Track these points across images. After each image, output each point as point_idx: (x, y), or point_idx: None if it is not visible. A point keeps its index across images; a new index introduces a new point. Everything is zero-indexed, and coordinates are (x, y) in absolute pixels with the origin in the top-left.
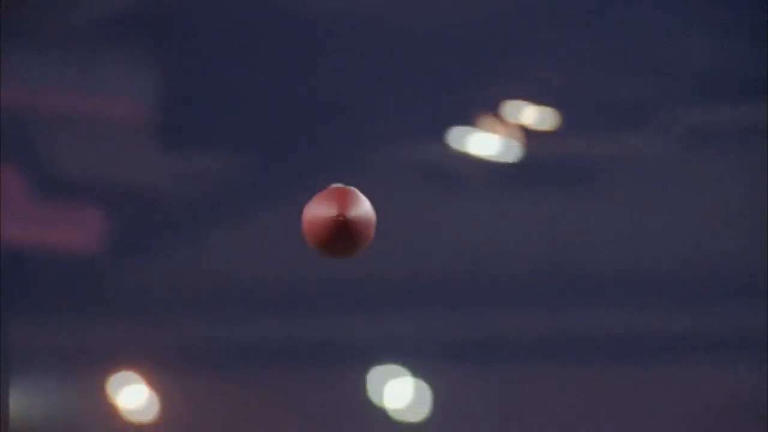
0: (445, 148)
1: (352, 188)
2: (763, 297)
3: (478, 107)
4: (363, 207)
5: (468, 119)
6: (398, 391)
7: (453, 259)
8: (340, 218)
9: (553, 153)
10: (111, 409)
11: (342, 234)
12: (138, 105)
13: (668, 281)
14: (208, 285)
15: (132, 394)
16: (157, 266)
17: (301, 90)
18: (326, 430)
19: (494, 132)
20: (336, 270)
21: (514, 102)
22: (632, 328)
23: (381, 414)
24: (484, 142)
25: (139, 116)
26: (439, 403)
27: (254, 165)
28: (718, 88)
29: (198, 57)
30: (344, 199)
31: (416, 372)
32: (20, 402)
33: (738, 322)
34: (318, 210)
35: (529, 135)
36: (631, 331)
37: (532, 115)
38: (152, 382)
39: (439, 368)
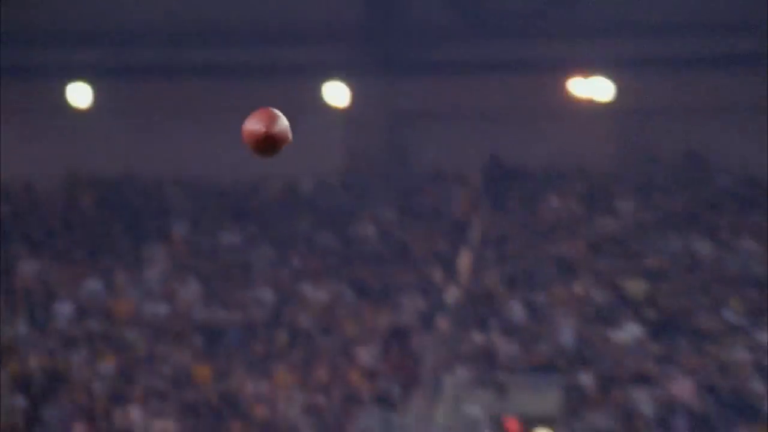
0: None
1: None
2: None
3: None
4: (282, 127)
5: None
6: (79, 95)
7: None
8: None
9: None
10: None
11: (268, 149)
12: None
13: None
14: None
15: None
16: None
17: None
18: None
19: None
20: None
21: None
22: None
23: (78, 114)
24: None
25: None
26: (103, 102)
27: None
28: None
29: None
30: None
31: (95, 85)
32: None
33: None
34: (251, 128)
35: None
36: (222, 62)
37: None
38: None
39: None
